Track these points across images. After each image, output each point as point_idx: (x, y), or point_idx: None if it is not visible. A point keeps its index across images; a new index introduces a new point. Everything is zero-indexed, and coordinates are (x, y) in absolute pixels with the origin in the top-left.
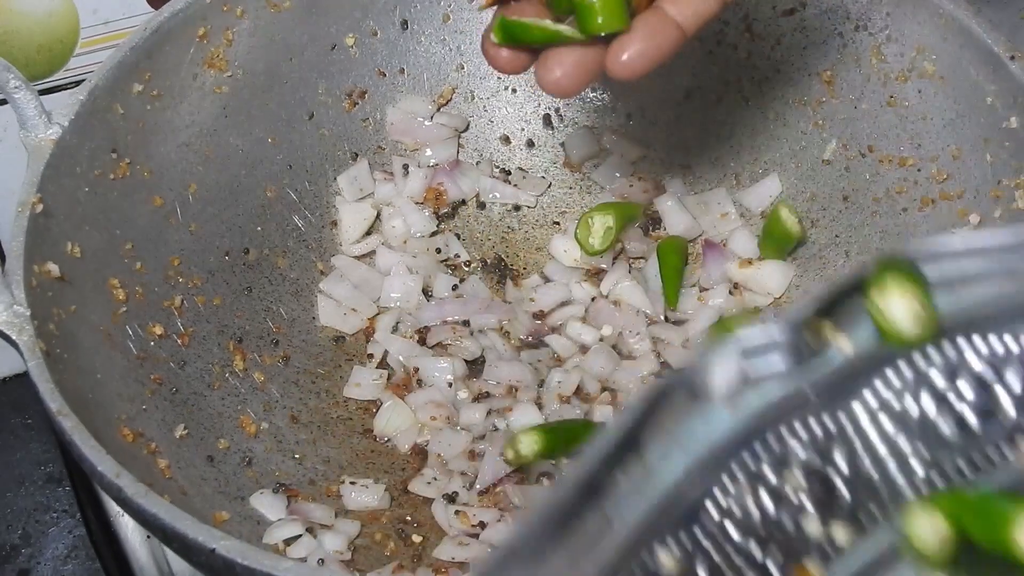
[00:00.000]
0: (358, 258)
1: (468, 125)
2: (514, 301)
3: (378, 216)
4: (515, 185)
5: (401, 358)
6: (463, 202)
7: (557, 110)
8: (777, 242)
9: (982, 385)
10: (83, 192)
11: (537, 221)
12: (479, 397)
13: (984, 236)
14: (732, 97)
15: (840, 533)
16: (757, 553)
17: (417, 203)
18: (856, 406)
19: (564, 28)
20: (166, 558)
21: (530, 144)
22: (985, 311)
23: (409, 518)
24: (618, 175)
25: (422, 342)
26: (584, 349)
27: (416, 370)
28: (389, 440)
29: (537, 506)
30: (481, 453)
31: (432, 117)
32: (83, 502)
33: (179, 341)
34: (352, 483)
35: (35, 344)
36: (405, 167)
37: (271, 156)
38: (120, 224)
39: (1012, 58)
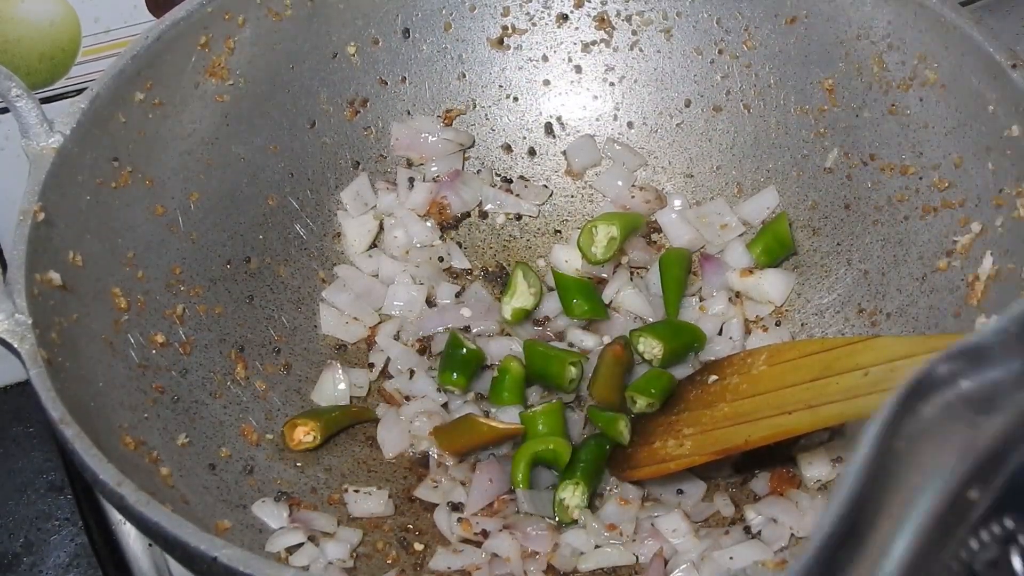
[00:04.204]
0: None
1: (474, 142)
2: None
3: (380, 226)
4: (517, 195)
5: (400, 366)
6: (467, 214)
7: (559, 118)
8: (771, 252)
9: None
10: (85, 201)
11: (539, 230)
12: (477, 399)
13: None
14: (733, 106)
15: None
16: None
17: (420, 215)
18: None
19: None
20: (168, 566)
21: (532, 152)
22: None
23: (411, 526)
24: (620, 183)
25: (423, 351)
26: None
27: (412, 372)
28: (389, 449)
29: None
30: (481, 459)
31: (438, 134)
32: (85, 510)
33: (181, 350)
34: (356, 491)
35: (37, 352)
36: (411, 180)
37: (273, 164)
38: (122, 233)
39: (1014, 66)
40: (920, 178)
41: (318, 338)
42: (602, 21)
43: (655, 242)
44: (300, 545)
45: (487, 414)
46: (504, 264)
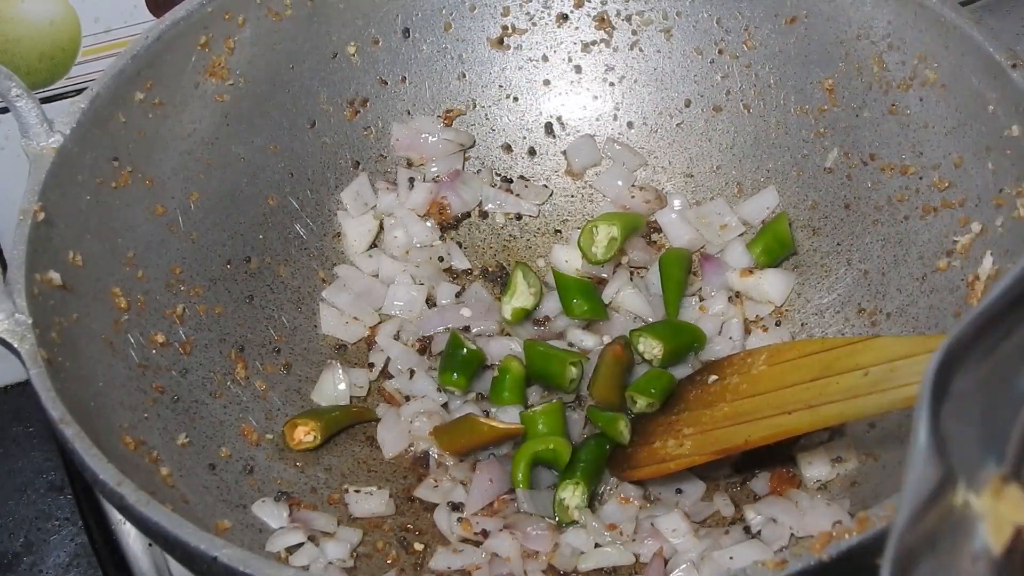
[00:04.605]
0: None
1: (474, 142)
2: None
3: (380, 226)
4: (517, 194)
5: (400, 366)
6: (467, 214)
7: (559, 118)
8: (771, 252)
9: None
10: (85, 200)
11: (539, 229)
12: (477, 399)
13: None
14: (733, 105)
15: None
16: None
17: (420, 216)
18: None
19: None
20: (168, 566)
21: (532, 152)
22: None
23: (411, 526)
24: (620, 183)
25: (423, 351)
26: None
27: (412, 372)
28: (389, 449)
29: None
30: (482, 458)
31: (438, 134)
32: (85, 510)
33: (181, 349)
34: (356, 491)
35: (37, 352)
36: (411, 180)
37: (273, 164)
38: (122, 232)
39: (1014, 66)
40: (920, 178)
41: (318, 338)
42: (602, 21)
43: (655, 242)
44: (300, 545)
45: (487, 414)
46: (504, 264)
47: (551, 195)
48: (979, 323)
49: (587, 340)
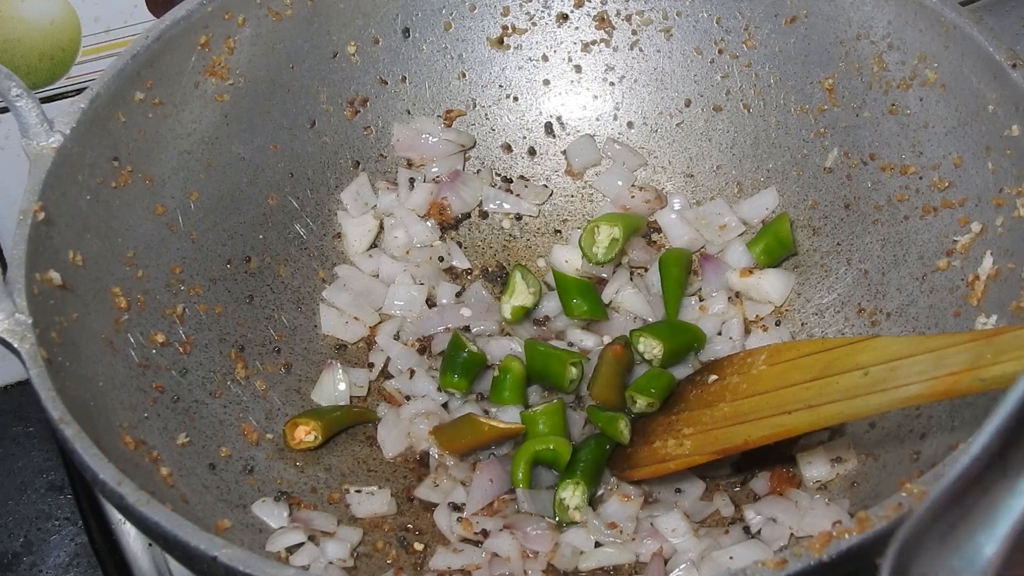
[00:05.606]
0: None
1: (475, 143)
2: None
3: (381, 226)
4: (517, 194)
5: (400, 366)
6: (467, 214)
7: (559, 118)
8: (771, 252)
9: None
10: (85, 200)
11: (539, 229)
12: (478, 398)
13: None
14: (733, 105)
15: None
16: None
17: (420, 216)
18: None
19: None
20: (168, 566)
21: (532, 152)
22: None
23: (411, 526)
24: (620, 183)
25: (423, 351)
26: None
27: (412, 372)
28: (389, 448)
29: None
30: (483, 458)
31: (439, 135)
32: (85, 510)
33: (181, 349)
34: (358, 491)
35: (37, 352)
36: (411, 180)
37: (273, 164)
38: (122, 232)
39: (1014, 66)
40: (920, 178)
41: (318, 338)
42: (602, 21)
43: (655, 242)
44: (300, 545)
45: (487, 414)
46: (504, 264)
47: (551, 195)
48: (934, 510)
49: (587, 340)
